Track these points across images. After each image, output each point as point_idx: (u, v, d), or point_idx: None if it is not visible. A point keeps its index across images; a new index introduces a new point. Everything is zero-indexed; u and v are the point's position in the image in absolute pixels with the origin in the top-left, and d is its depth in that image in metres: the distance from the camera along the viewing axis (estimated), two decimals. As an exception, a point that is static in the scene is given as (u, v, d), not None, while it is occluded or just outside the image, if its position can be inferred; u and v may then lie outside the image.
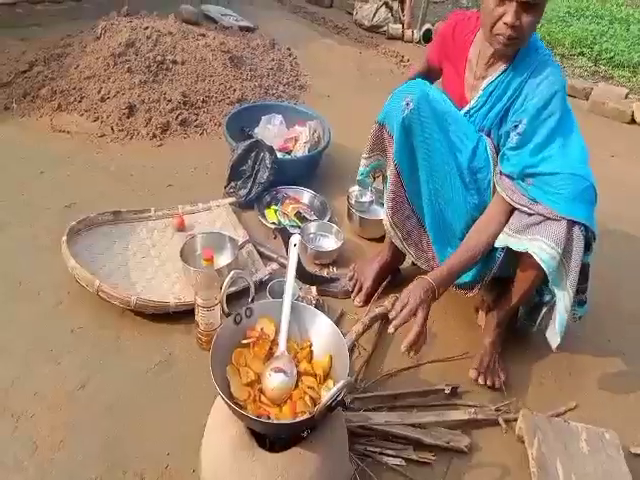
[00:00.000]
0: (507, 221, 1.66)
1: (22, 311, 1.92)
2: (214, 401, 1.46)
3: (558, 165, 1.54)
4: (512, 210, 1.66)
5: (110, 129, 2.97)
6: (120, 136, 2.94)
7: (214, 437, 1.38)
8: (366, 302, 2.09)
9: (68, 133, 2.94)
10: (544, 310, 1.82)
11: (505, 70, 1.67)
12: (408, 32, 4.87)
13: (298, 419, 1.27)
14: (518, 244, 1.60)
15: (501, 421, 1.67)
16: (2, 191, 2.46)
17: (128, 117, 3.02)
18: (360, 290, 2.10)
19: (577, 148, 1.57)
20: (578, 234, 1.53)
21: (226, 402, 1.25)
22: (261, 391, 1.37)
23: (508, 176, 1.65)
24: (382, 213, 2.38)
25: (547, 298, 1.81)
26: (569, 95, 3.08)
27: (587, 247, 1.58)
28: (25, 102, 3.13)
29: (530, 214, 1.59)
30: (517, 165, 1.61)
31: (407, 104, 1.69)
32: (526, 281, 1.70)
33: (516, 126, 1.61)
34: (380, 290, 2.10)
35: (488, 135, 1.76)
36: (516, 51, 1.64)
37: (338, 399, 1.22)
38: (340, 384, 1.21)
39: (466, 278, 1.85)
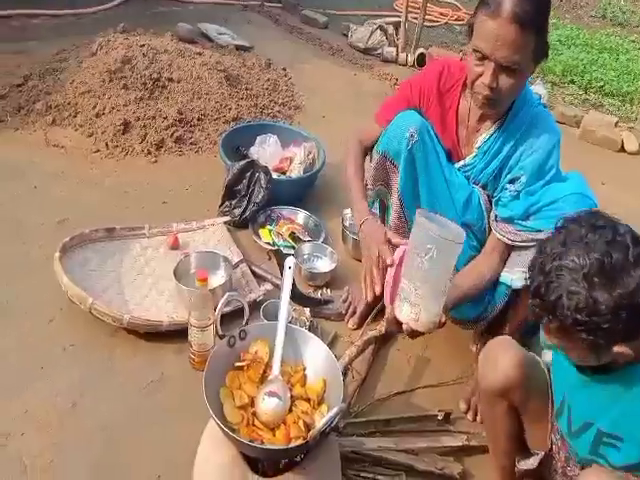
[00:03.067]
0: (503, 260, 1.68)
1: (14, 327, 1.90)
2: (207, 423, 1.45)
3: (559, 191, 1.57)
4: (508, 249, 1.67)
5: (105, 145, 2.95)
6: (115, 152, 2.92)
7: (206, 461, 1.37)
8: (360, 325, 2.08)
9: (62, 148, 2.91)
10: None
11: (499, 127, 1.66)
12: (402, 55, 4.92)
13: (292, 445, 1.27)
14: None
15: None
16: None
17: (123, 133, 3.00)
18: (354, 313, 2.10)
19: (575, 176, 1.60)
20: None
21: (219, 426, 1.25)
22: (254, 415, 1.37)
23: (506, 220, 1.66)
24: None
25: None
26: (559, 122, 3.13)
27: None
28: (19, 116, 3.10)
29: (532, 246, 1.57)
30: (517, 209, 1.62)
31: (412, 135, 1.69)
32: (526, 309, 1.69)
33: (513, 181, 1.63)
34: (374, 313, 2.10)
35: (482, 187, 1.76)
36: (505, 108, 1.63)
37: (332, 425, 1.22)
38: (334, 410, 1.21)
39: (469, 315, 1.85)
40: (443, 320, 1.49)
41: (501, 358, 1.33)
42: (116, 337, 1.90)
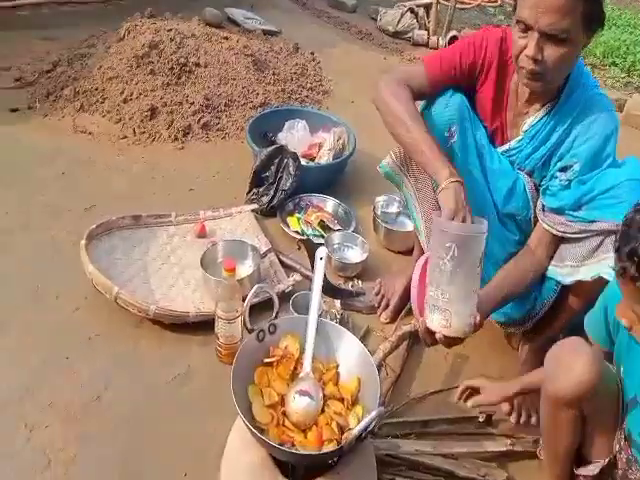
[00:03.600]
0: (550, 254, 1.58)
1: (39, 316, 1.88)
2: (235, 419, 1.39)
3: (615, 178, 1.44)
4: (556, 242, 1.57)
5: (132, 131, 2.94)
6: (142, 138, 2.91)
7: (234, 461, 1.32)
8: (393, 319, 2.01)
9: (90, 134, 2.91)
10: None
11: (550, 111, 1.54)
12: (433, 39, 4.80)
13: (325, 450, 1.20)
14: (587, 272, 1.49)
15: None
16: (22, 192, 2.43)
17: (150, 119, 2.98)
18: (387, 306, 2.03)
19: (632, 161, 1.48)
20: None
21: (248, 427, 1.19)
22: (285, 414, 1.31)
23: (555, 211, 1.55)
24: (410, 225, 2.35)
25: None
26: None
27: None
28: (48, 102, 3.12)
29: (584, 238, 1.49)
30: (568, 199, 1.51)
31: (451, 134, 1.60)
32: (578, 304, 1.59)
33: (565, 169, 1.51)
34: (408, 307, 2.01)
35: (528, 174, 1.65)
36: (558, 88, 1.51)
37: (369, 430, 1.14)
38: (372, 415, 1.14)
39: (514, 316, 1.75)
40: (478, 320, 1.41)
41: (576, 363, 1.21)
42: (141, 328, 1.87)
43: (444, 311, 1.37)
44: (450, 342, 1.44)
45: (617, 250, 1.11)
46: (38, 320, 1.86)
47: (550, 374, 1.28)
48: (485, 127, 1.68)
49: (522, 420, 1.68)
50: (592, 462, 1.32)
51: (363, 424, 1.13)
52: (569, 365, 1.22)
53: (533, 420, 1.68)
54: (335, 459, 1.26)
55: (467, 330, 1.40)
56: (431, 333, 1.43)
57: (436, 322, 1.40)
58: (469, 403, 1.56)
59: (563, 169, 1.52)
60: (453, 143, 1.62)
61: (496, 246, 1.68)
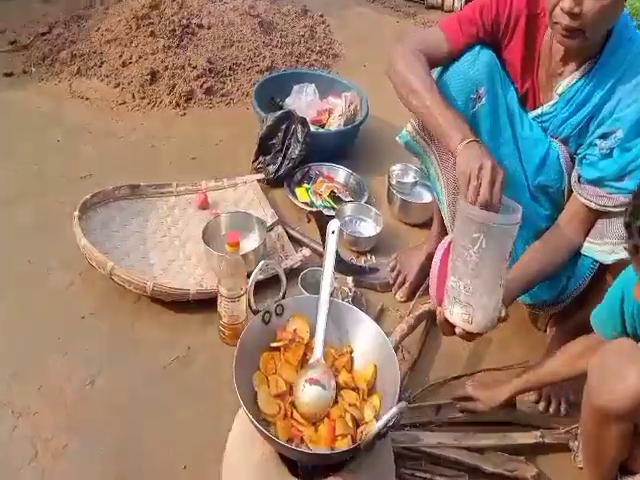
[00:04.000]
0: (585, 230, 1.46)
1: (29, 293, 1.81)
2: (239, 406, 1.27)
3: None
4: (593, 217, 1.44)
5: (131, 96, 2.84)
6: (141, 104, 2.81)
7: (237, 456, 1.20)
8: (410, 297, 1.90)
9: (87, 99, 2.82)
10: None
11: (589, 71, 1.38)
12: (448, 1, 4.61)
13: (340, 449, 1.08)
14: None
15: (573, 446, 1.45)
16: (16, 160, 2.35)
17: (150, 84, 2.88)
18: (403, 283, 1.92)
19: None
20: None
21: (253, 422, 1.07)
22: (293, 405, 1.19)
23: (594, 182, 1.40)
24: (427, 196, 2.24)
25: None
26: None
27: None
28: (44, 66, 3.02)
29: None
30: (609, 169, 1.36)
31: (479, 97, 1.46)
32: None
33: (605, 136, 1.36)
34: (426, 284, 1.88)
35: (562, 142, 1.51)
36: (598, 45, 1.36)
37: (390, 426, 1.02)
38: (393, 411, 1.01)
39: (544, 298, 1.63)
40: (503, 315, 1.30)
41: (629, 371, 1.07)
42: (139, 305, 1.78)
43: (466, 305, 1.26)
44: (471, 337, 1.34)
45: (628, 226, 1.05)
46: (28, 297, 1.79)
47: (597, 384, 1.14)
48: (515, 89, 1.53)
49: (552, 409, 1.58)
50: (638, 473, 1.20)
51: (382, 422, 1.01)
52: (621, 374, 1.09)
53: (563, 409, 1.58)
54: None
55: (490, 326, 1.29)
56: (451, 325, 1.33)
57: (456, 316, 1.29)
58: (458, 407, 1.51)
59: (603, 136, 1.38)
60: (480, 106, 1.49)
61: (525, 222, 1.53)
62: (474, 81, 1.47)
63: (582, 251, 1.48)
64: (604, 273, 1.49)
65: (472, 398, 1.49)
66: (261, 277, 1.72)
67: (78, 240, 1.80)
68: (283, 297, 1.33)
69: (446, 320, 1.33)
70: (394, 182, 2.28)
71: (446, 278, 1.30)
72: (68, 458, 1.38)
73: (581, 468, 1.41)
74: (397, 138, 1.70)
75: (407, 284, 1.91)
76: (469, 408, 1.49)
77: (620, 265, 1.39)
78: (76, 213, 1.88)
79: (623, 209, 1.33)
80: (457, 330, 1.31)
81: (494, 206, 1.23)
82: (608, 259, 1.41)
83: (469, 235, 1.19)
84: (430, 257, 1.84)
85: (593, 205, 1.41)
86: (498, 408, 1.46)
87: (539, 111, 1.51)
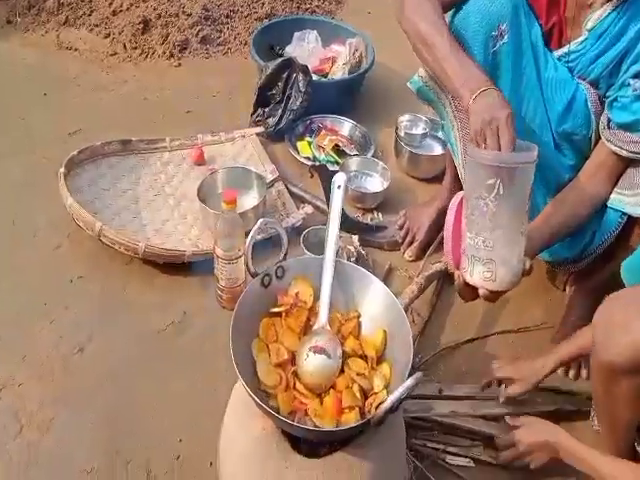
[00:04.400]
0: (612, 180, 1.37)
1: (14, 255, 1.75)
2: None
3: None
4: (622, 166, 1.35)
5: (122, 47, 2.74)
6: (133, 55, 2.72)
7: (235, 430, 1.12)
8: (419, 256, 1.84)
9: (75, 51, 2.73)
10: None
11: (621, 3, 1.26)
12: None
13: (347, 426, 1.00)
14: None
15: (594, 421, 1.37)
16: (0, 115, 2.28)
17: (142, 33, 2.78)
18: (412, 242, 1.85)
19: None
20: None
21: (252, 397, 0.99)
22: (296, 375, 1.11)
23: (626, 127, 1.30)
24: (437, 148, 2.16)
25: None
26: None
27: None
28: (29, 15, 2.90)
29: None
30: None
31: (500, 34, 1.33)
32: None
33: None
34: (437, 242, 1.83)
35: (591, 84, 1.39)
36: None
37: (403, 398, 0.92)
38: (408, 383, 0.91)
39: (565, 254, 1.54)
40: (528, 266, 1.21)
41: (633, 321, 0.98)
42: (131, 268, 1.72)
43: (487, 262, 1.17)
44: (496, 297, 1.25)
45: None
46: (12, 260, 1.73)
47: (601, 337, 1.05)
48: (540, 25, 1.40)
49: (571, 374, 1.51)
50: None
51: (396, 395, 0.92)
52: (625, 325, 1.00)
53: (584, 374, 1.52)
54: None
55: (516, 281, 1.20)
56: (471, 288, 1.23)
57: (477, 276, 1.19)
58: (501, 399, 1.38)
59: (638, 75, 1.27)
60: (502, 45, 1.36)
61: (548, 172, 1.46)
62: (496, 16, 1.34)
63: (609, 203, 1.39)
64: (633, 227, 1.40)
65: (505, 380, 1.38)
66: (260, 237, 1.67)
67: (64, 199, 1.73)
68: (284, 258, 1.25)
69: (466, 284, 1.24)
70: (402, 134, 2.19)
71: (461, 239, 1.22)
72: (55, 431, 1.32)
73: (598, 431, 1.34)
74: (408, 84, 1.60)
75: (416, 242, 1.84)
76: (516, 394, 1.36)
77: None
78: (62, 170, 1.80)
79: None
80: (480, 292, 1.22)
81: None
82: (639, 211, 1.31)
83: (483, 183, 1.11)
84: (441, 213, 1.77)
85: (624, 152, 1.31)
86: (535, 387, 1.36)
87: (565, 49, 1.39)
